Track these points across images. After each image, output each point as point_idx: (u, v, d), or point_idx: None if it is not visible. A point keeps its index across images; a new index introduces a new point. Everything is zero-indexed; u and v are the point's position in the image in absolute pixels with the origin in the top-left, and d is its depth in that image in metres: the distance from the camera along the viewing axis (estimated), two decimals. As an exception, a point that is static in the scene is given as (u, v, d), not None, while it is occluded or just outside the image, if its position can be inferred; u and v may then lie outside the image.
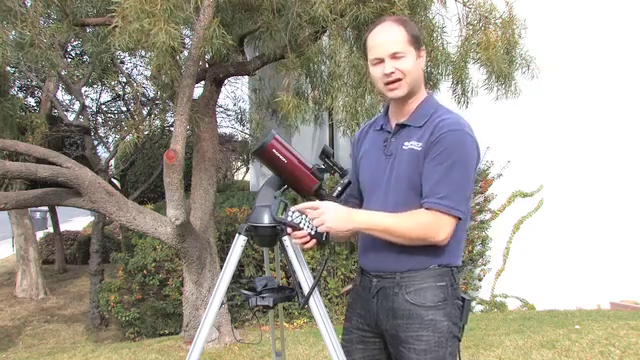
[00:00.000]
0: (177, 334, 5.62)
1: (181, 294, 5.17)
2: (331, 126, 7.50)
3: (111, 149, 9.37)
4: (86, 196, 3.90)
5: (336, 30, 3.92)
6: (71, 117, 8.72)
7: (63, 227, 12.29)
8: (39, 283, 9.39)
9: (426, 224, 1.73)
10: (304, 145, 7.87)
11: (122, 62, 8.81)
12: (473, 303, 6.38)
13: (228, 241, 5.78)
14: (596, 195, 6.38)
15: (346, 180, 1.89)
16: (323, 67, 4.45)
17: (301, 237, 1.78)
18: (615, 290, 6.33)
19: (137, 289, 5.92)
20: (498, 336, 4.70)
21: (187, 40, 4.24)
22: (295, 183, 1.88)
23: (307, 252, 5.38)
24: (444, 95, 4.33)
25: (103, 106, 10.89)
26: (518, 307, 6.44)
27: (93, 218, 9.18)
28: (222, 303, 1.83)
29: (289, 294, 1.90)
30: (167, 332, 5.90)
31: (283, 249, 1.83)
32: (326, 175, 1.91)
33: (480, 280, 6.40)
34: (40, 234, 12.38)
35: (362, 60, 3.80)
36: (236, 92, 19.47)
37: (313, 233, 1.78)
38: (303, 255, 1.88)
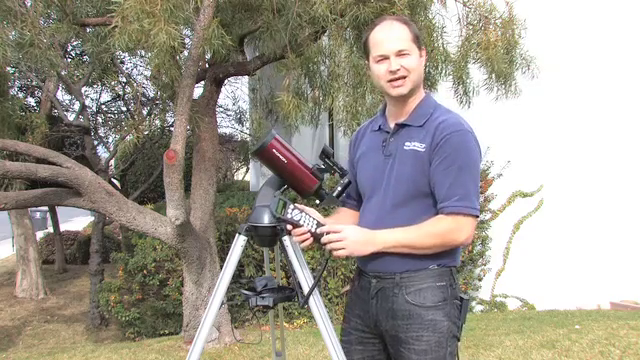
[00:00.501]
0: (177, 334, 5.62)
1: (181, 294, 5.17)
2: (331, 126, 7.51)
3: (111, 149, 9.38)
4: (86, 196, 3.90)
5: (336, 30, 3.92)
6: (71, 117, 8.72)
7: (63, 227, 12.30)
8: (39, 283, 9.39)
9: (446, 231, 1.74)
10: (304, 145, 7.87)
11: (122, 62, 8.82)
12: (473, 303, 6.38)
13: (228, 241, 5.77)
14: (596, 195, 6.38)
15: (346, 180, 1.89)
16: (323, 67, 4.45)
17: (301, 234, 1.78)
18: (615, 290, 6.33)
19: (137, 289, 5.92)
20: (498, 336, 4.70)
21: (187, 40, 4.24)
22: (295, 183, 1.88)
23: (307, 252, 5.39)
24: (445, 95, 4.32)
25: (103, 106, 10.90)
26: (518, 307, 6.44)
27: (93, 218, 9.19)
28: (222, 303, 1.83)
29: (289, 294, 1.90)
30: (167, 332, 5.90)
31: (283, 249, 1.83)
32: (326, 175, 1.91)
33: (480, 280, 6.40)
34: (40, 234, 12.38)
35: (362, 60, 3.80)
36: (236, 92, 19.50)
37: (313, 230, 1.78)
38: (303, 255, 1.88)
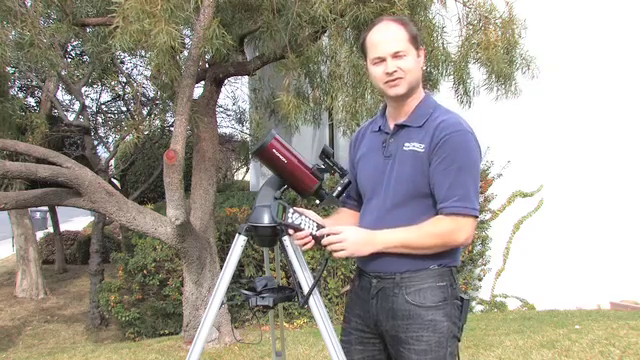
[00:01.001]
0: (177, 334, 5.62)
1: (181, 294, 5.17)
2: (331, 126, 7.50)
3: (111, 149, 9.37)
4: (86, 196, 3.90)
5: (336, 30, 3.92)
6: (71, 117, 8.71)
7: (63, 227, 12.30)
8: (39, 283, 9.39)
9: (446, 231, 1.74)
10: (304, 145, 7.87)
11: (122, 62, 8.80)
12: (473, 303, 6.38)
13: (228, 241, 5.78)
14: (596, 195, 6.38)
15: (346, 180, 1.89)
16: (323, 67, 4.45)
17: (303, 238, 1.78)
18: (615, 290, 6.32)
19: (137, 289, 5.92)
20: (498, 336, 4.70)
21: (187, 40, 4.24)
22: (295, 183, 1.88)
23: (307, 252, 5.38)
24: (445, 95, 4.33)
25: (103, 106, 10.88)
26: (518, 307, 6.44)
27: (93, 218, 9.19)
28: (222, 303, 1.83)
29: (289, 294, 1.90)
30: (167, 332, 5.90)
31: (283, 249, 1.83)
32: (326, 175, 1.91)
33: (480, 280, 6.40)
34: (40, 234, 12.38)
35: (362, 60, 3.80)
36: (236, 92, 19.50)
37: (314, 233, 1.78)
38: (303, 255, 1.88)
